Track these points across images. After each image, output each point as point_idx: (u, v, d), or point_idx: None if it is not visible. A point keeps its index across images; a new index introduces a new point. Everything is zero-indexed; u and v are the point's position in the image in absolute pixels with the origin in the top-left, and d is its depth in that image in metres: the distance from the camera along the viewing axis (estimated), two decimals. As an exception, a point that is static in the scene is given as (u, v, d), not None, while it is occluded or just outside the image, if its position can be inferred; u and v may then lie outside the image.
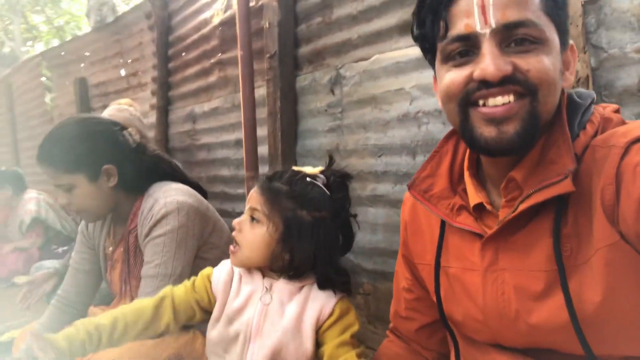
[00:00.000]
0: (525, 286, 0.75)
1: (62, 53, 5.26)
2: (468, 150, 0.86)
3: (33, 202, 4.10)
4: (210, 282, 1.14)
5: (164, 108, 3.69)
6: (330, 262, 1.05)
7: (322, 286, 1.06)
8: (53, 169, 1.46)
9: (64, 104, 5.26)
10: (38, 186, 5.05)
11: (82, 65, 4.95)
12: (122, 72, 4.40)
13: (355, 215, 1.12)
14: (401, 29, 1.99)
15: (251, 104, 2.28)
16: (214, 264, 1.61)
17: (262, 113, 2.52)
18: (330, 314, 1.04)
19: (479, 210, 0.82)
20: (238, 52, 2.29)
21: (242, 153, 2.91)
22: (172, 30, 3.64)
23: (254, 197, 1.07)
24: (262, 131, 2.51)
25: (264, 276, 1.10)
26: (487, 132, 0.71)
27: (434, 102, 1.83)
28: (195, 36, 3.32)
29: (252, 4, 2.64)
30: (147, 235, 1.48)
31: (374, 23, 2.08)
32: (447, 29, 0.74)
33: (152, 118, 3.82)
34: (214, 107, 3.15)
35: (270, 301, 1.06)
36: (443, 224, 0.88)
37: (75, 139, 1.46)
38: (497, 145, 0.71)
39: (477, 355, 0.87)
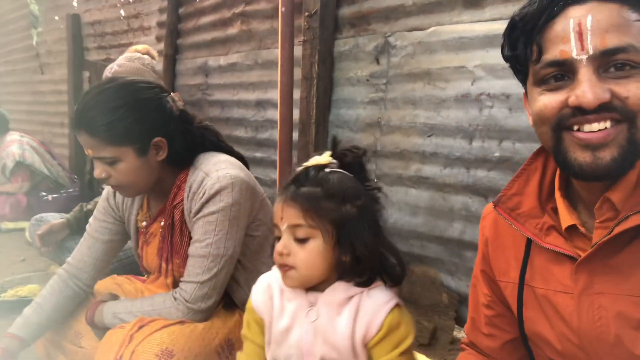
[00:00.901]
0: (625, 312, 0.74)
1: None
2: (559, 170, 0.83)
3: (16, 144, 3.84)
4: (255, 311, 1.04)
5: (172, 57, 3.45)
6: (384, 244, 0.97)
7: (370, 280, 0.95)
8: (97, 140, 1.27)
9: (52, 40, 4.90)
10: (20, 126, 4.77)
11: (75, 0, 4.58)
12: (122, 13, 4.08)
13: (379, 188, 1.04)
14: (466, 1, 1.84)
15: (289, 66, 2.12)
16: (262, 241, 1.51)
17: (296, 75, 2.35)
18: (379, 329, 0.94)
19: (569, 231, 0.80)
20: (279, 8, 2.11)
21: (262, 114, 2.76)
22: (185, -28, 3.36)
23: (290, 214, 0.94)
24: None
25: (307, 290, 0.99)
26: (582, 157, 0.70)
27: (501, 85, 1.71)
28: (213, -18, 3.07)
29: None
30: (198, 211, 1.36)
31: (434, -10, 1.93)
32: (540, 53, 0.72)
33: (157, 66, 3.57)
34: (232, 62, 2.95)
35: (316, 318, 0.96)
36: (528, 242, 0.86)
37: (123, 108, 1.29)
38: (593, 171, 0.69)
39: None
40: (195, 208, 1.36)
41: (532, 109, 0.77)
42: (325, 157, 0.97)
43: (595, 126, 0.68)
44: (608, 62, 0.68)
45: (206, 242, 1.33)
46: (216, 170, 1.37)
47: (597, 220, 0.75)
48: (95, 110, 1.27)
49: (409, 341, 0.95)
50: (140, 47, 2.48)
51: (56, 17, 4.82)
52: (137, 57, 2.32)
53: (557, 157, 0.74)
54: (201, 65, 3.21)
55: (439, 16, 1.92)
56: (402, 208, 2.03)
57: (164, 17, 3.51)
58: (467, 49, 1.81)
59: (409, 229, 2.01)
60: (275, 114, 2.65)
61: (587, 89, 0.67)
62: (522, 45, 0.75)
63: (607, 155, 0.68)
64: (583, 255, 0.75)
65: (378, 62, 2.13)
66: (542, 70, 0.72)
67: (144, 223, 1.53)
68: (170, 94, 1.44)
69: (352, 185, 0.95)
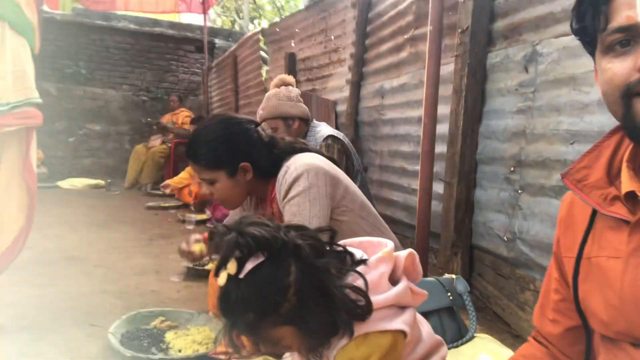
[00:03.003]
0: None
1: (277, 30, 5.85)
2: (631, 146, 0.82)
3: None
4: None
5: (357, 83, 3.85)
6: (337, 296, 0.98)
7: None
8: (199, 166, 1.65)
9: (275, 76, 5.86)
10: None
11: (293, 41, 5.44)
12: (325, 48, 4.70)
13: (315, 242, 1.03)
14: None
15: (435, 80, 2.24)
16: (350, 226, 1.65)
17: (450, 90, 2.46)
18: None
19: (631, 200, 0.79)
20: (428, 27, 2.26)
21: (424, 130, 2.89)
22: (373, 7, 3.74)
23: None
24: (448, 109, 2.46)
25: None
26: None
27: (647, 85, 1.55)
28: (392, 12, 3.37)
29: (449, -23, 2.56)
30: (283, 198, 1.60)
31: (584, -7, 1.84)
32: (607, 22, 0.74)
33: (346, 92, 4.03)
34: (402, 83, 3.18)
35: None
36: (593, 215, 0.86)
37: (217, 140, 1.62)
38: None
39: (612, 355, 0.82)
40: (281, 197, 1.61)
41: (601, 79, 0.77)
42: (231, 266, 0.93)
43: None
44: None
45: (294, 221, 1.56)
46: (294, 162, 1.61)
47: None
48: (196, 143, 1.65)
49: None
50: (286, 77, 2.72)
51: (279, 57, 5.76)
52: (273, 95, 2.57)
53: (626, 124, 0.74)
54: (379, 89, 3.51)
55: (588, 18, 1.83)
56: (544, 220, 1.94)
57: (354, 49, 3.96)
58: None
59: (550, 242, 1.90)
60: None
61: None
62: (590, 17, 0.77)
63: None
64: (637, 217, 0.75)
65: (527, 71, 2.10)
66: (609, 37, 0.74)
67: None
68: (259, 125, 1.73)
69: (274, 283, 0.94)
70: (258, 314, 0.94)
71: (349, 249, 1.13)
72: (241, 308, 0.94)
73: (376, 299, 1.04)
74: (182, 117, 7.28)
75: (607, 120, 1.69)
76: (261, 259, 0.94)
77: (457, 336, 1.70)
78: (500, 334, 2.00)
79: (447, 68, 2.51)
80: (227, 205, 1.78)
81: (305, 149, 1.77)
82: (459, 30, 2.37)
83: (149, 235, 3.78)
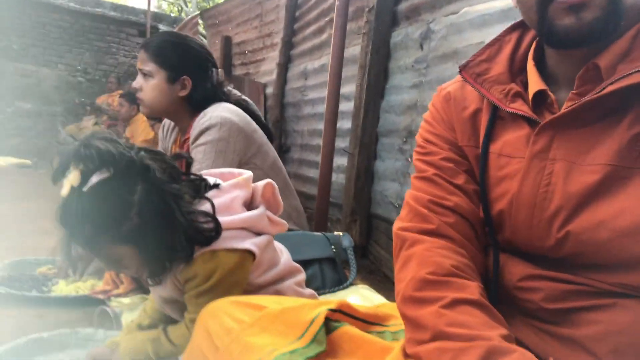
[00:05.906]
0: (578, 181, 0.69)
1: (216, 13, 5.84)
2: (534, 44, 0.81)
3: None
4: None
5: (285, 65, 3.92)
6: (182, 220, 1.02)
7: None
8: (146, 55, 1.67)
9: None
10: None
11: (230, 25, 5.45)
12: (259, 32, 4.75)
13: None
14: (494, -19, 1.88)
15: (340, 57, 2.34)
16: None
17: (358, 69, 2.57)
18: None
19: (536, 101, 0.76)
20: (335, 3, 2.36)
21: (341, 108, 3.00)
22: (302, -9, 3.84)
23: None
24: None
25: None
26: (566, 20, 0.68)
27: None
28: (317, -4, 3.47)
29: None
30: (193, 142, 1.64)
31: (470, -25, 1.99)
32: None
33: (275, 75, 4.09)
34: (323, 63, 3.28)
35: None
36: (494, 111, 0.80)
37: (176, 44, 1.67)
38: (577, 32, 0.67)
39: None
40: (192, 139, 1.66)
41: None
42: (74, 177, 0.94)
43: None
44: None
45: (196, 168, 1.62)
46: (212, 111, 1.65)
47: (575, 90, 0.72)
48: (157, 38, 1.70)
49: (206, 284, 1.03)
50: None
51: (217, 41, 5.76)
52: None
53: (542, 29, 0.72)
54: (303, 70, 3.60)
55: (471, -1, 1.98)
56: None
57: (283, 32, 4.03)
58: (488, 25, 1.84)
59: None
60: (346, 106, 2.89)
61: None
62: None
63: (589, 15, 0.67)
64: (553, 116, 0.72)
65: (422, 48, 2.24)
66: None
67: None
68: (217, 68, 1.76)
69: (117, 199, 0.94)
70: (97, 228, 0.95)
71: (206, 177, 1.19)
72: (81, 221, 0.94)
73: (225, 219, 1.10)
74: (118, 99, 7.13)
75: (479, 90, 1.84)
76: (107, 175, 0.96)
77: (336, 284, 1.80)
78: (386, 291, 2.12)
79: (357, 49, 2.62)
80: (146, 107, 1.73)
81: (238, 102, 1.79)
82: (366, 9, 2.49)
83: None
